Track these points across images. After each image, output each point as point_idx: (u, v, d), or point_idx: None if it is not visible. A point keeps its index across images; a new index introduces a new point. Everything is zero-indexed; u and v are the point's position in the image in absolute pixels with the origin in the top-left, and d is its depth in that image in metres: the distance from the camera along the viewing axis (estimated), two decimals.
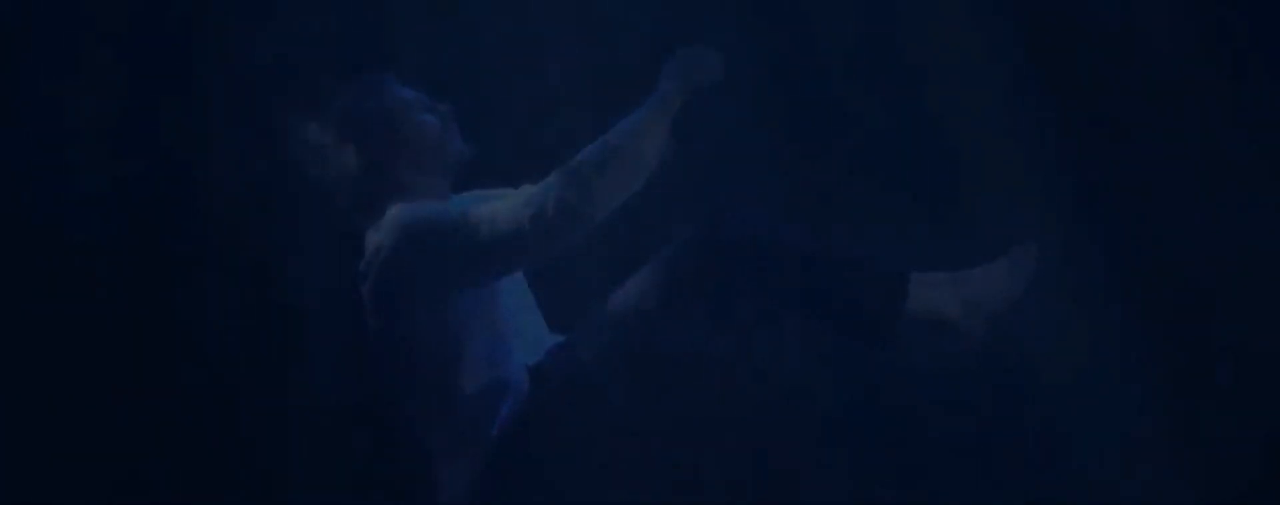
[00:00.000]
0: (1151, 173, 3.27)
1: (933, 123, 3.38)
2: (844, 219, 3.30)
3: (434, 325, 2.65)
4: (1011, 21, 3.33)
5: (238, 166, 3.37)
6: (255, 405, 3.35)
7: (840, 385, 3.02)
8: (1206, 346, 3.16)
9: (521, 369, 2.69)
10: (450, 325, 2.65)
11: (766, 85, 3.34)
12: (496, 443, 2.64)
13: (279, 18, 3.47)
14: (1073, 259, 2.99)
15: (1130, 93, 3.30)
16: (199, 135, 3.40)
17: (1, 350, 3.36)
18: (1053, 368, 3.11)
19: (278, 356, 3.35)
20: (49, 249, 3.43)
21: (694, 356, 2.61)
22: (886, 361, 2.81)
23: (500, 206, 2.62)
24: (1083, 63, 3.33)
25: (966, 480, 3.08)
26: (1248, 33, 3.26)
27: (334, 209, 2.83)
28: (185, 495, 3.35)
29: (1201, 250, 3.20)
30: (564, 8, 3.47)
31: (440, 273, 2.64)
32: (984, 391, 3.15)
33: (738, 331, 2.62)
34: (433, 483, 2.69)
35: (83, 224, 3.42)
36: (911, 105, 3.42)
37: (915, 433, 3.17)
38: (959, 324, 2.57)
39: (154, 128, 3.43)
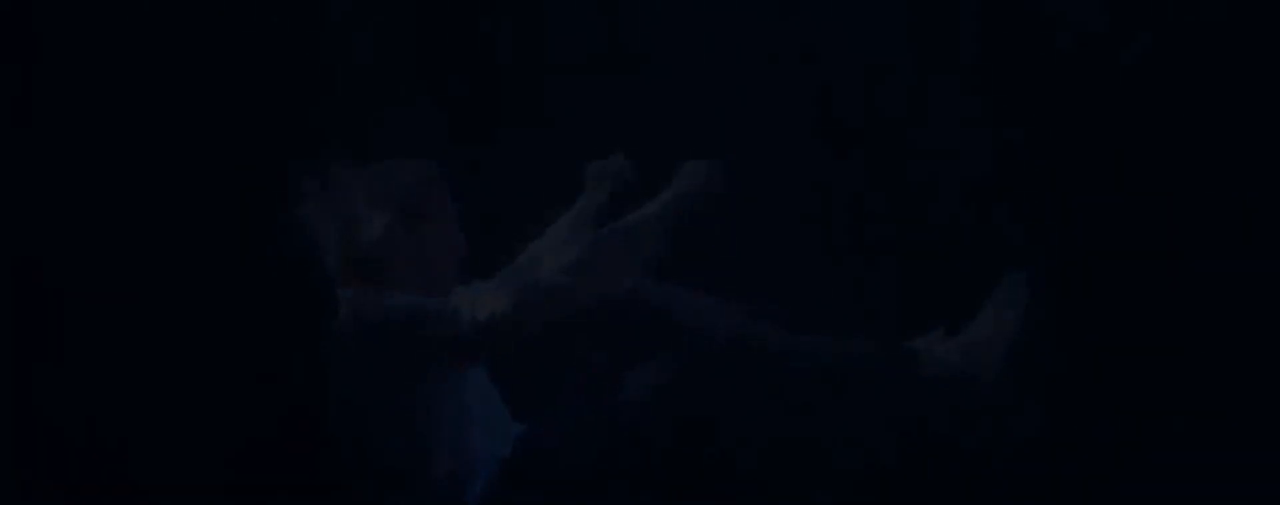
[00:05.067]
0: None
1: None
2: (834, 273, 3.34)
3: (399, 411, 2.64)
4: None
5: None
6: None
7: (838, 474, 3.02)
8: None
9: (486, 454, 2.71)
10: (415, 411, 2.65)
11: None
12: None
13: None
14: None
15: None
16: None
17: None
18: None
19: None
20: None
21: (679, 453, 2.63)
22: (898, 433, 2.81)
23: (480, 297, 2.65)
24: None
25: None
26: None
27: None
28: None
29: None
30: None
31: (414, 363, 2.64)
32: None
33: (723, 433, 2.65)
34: None
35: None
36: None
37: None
38: (969, 375, 2.64)
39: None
